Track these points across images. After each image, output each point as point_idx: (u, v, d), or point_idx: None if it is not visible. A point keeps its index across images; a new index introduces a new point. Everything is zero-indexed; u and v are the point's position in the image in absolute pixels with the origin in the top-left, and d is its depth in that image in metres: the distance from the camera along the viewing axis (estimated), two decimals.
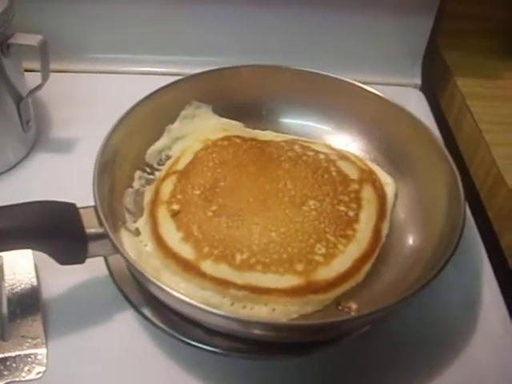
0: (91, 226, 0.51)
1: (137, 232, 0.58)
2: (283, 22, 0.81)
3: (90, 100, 0.78)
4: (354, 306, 0.54)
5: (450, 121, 0.81)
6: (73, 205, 0.52)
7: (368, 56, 0.84)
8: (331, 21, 0.81)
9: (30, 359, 0.52)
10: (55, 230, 0.50)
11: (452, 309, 0.59)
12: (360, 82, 0.68)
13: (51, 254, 0.51)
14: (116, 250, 0.50)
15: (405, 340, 0.56)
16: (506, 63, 0.84)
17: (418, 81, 0.86)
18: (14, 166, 0.69)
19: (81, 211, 0.52)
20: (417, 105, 0.82)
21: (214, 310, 0.46)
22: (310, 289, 0.53)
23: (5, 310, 0.54)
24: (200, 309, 0.46)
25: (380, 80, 0.79)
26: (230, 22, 0.82)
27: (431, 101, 0.84)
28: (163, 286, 0.47)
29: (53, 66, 0.66)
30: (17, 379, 0.50)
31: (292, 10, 0.80)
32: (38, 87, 0.66)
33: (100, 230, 0.51)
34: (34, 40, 0.62)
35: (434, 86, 0.87)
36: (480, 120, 0.74)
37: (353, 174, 0.63)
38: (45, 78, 0.65)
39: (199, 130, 0.67)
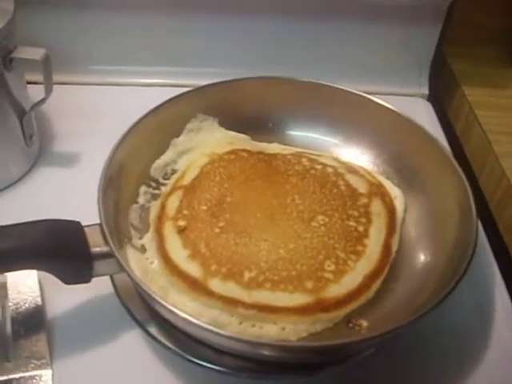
0: (96, 245, 0.50)
1: (143, 249, 0.57)
2: (289, 33, 0.80)
3: (94, 113, 0.77)
4: (364, 323, 0.53)
5: (458, 131, 0.81)
6: (77, 223, 0.51)
7: (375, 66, 0.83)
8: (337, 31, 0.80)
9: (34, 381, 0.51)
10: (60, 251, 0.49)
11: (463, 322, 0.58)
12: (367, 93, 0.68)
13: (56, 275, 0.50)
14: (122, 269, 0.49)
15: (415, 357, 0.55)
16: None
17: (426, 91, 0.85)
18: (17, 182, 0.68)
19: (86, 230, 0.51)
20: (424, 115, 0.81)
21: (222, 332, 0.45)
22: (320, 307, 0.52)
23: (9, 329, 0.53)
24: (207, 330, 0.45)
25: (387, 90, 0.78)
26: (235, 33, 0.81)
27: (439, 111, 0.83)
28: (169, 307, 0.46)
29: (56, 78, 0.65)
30: None
31: (298, 21, 0.79)
32: (41, 101, 0.65)
33: (105, 249, 0.50)
34: (36, 54, 0.61)
35: (441, 96, 0.86)
36: (488, 130, 0.73)
37: (362, 187, 0.62)
38: (48, 92, 0.64)
39: (205, 143, 0.66)
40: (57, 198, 0.65)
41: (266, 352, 0.47)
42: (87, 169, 0.66)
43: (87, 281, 0.51)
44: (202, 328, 0.45)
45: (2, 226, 0.48)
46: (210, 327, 0.45)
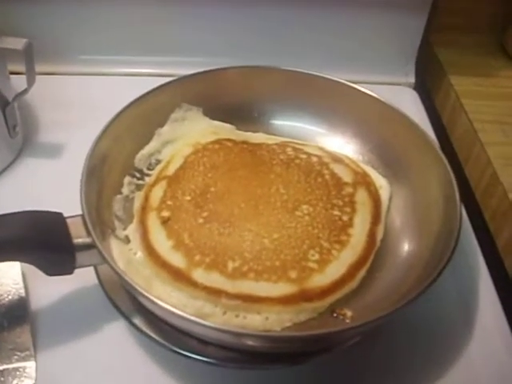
0: (79, 236, 0.50)
1: (126, 240, 0.57)
2: (274, 22, 0.80)
3: (79, 103, 0.77)
4: (349, 313, 0.53)
5: (444, 120, 0.80)
6: (59, 214, 0.51)
7: (361, 55, 0.83)
8: (323, 20, 0.80)
9: (18, 373, 0.50)
10: (42, 242, 0.48)
11: (448, 311, 0.58)
12: (353, 82, 0.68)
13: (38, 266, 0.50)
14: (104, 260, 0.49)
15: (400, 344, 0.55)
16: (500, 61, 0.83)
17: (412, 79, 0.85)
18: (0, 173, 0.67)
19: (68, 221, 0.50)
20: (410, 104, 0.81)
21: (205, 322, 0.45)
22: (304, 296, 0.52)
23: None
24: (191, 321, 0.45)
25: (373, 79, 0.78)
26: (220, 23, 0.80)
27: (425, 100, 0.83)
28: (152, 298, 0.46)
29: (40, 69, 0.65)
30: None
31: (282, 10, 0.79)
32: (24, 92, 0.65)
33: (88, 240, 0.50)
34: (18, 44, 0.60)
35: (427, 85, 0.86)
36: (475, 119, 0.73)
37: (346, 177, 0.61)
38: (30, 83, 0.64)
39: (189, 133, 0.66)
40: (40, 189, 0.65)
41: (250, 342, 0.47)
42: (71, 160, 0.65)
43: (70, 272, 0.51)
44: (186, 319, 0.45)
45: None
46: (194, 318, 0.45)
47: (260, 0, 0.78)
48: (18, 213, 0.49)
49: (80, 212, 0.51)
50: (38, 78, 0.65)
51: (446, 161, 0.58)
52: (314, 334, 0.47)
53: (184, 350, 0.51)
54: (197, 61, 0.76)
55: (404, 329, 0.56)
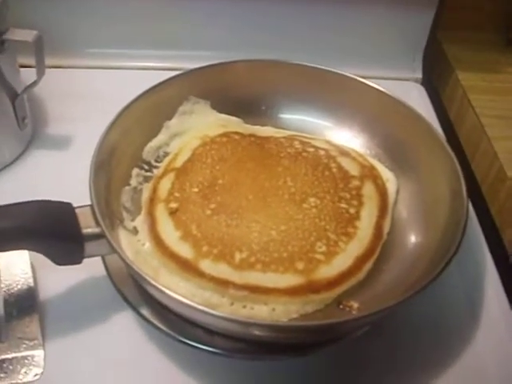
0: (88, 226, 0.50)
1: (134, 231, 0.57)
2: (283, 17, 0.80)
3: (87, 96, 0.77)
4: (355, 304, 0.53)
5: (452, 115, 0.81)
6: (69, 204, 0.51)
7: (368, 50, 0.83)
8: (331, 15, 0.80)
9: (27, 361, 0.51)
10: (51, 231, 0.49)
11: (454, 305, 0.59)
12: (361, 77, 0.68)
13: (47, 255, 0.50)
14: (113, 250, 0.49)
15: (407, 337, 0.56)
16: (507, 57, 0.83)
17: (419, 75, 0.85)
18: (10, 164, 0.68)
19: (77, 211, 0.51)
20: (418, 99, 0.81)
21: (213, 312, 0.45)
22: (311, 288, 0.52)
23: (1, 311, 0.54)
24: (198, 310, 0.45)
25: (381, 74, 0.78)
26: (228, 17, 0.81)
27: (432, 95, 0.83)
28: (161, 287, 0.46)
29: (49, 62, 0.65)
30: (14, 381, 0.49)
31: (291, 5, 0.79)
32: (34, 84, 0.65)
33: (96, 230, 0.50)
34: (28, 36, 0.61)
35: (435, 80, 0.86)
36: (482, 114, 0.73)
37: (354, 170, 0.62)
38: (40, 74, 0.64)
39: (197, 126, 0.66)
40: (49, 181, 0.65)
41: (257, 332, 0.47)
42: (80, 151, 0.65)
43: (78, 262, 0.51)
44: (194, 308, 0.45)
45: None
46: (202, 307, 0.45)
47: None
48: (28, 202, 0.50)
49: (88, 203, 0.52)
50: (46, 71, 0.65)
51: (453, 154, 0.58)
52: (321, 324, 0.48)
53: (191, 340, 0.51)
54: (204, 55, 0.76)
55: (411, 321, 0.56)
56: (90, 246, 0.50)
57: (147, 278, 0.47)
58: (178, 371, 0.52)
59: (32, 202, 0.50)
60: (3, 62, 0.62)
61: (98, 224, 0.50)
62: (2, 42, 0.61)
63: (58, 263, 0.51)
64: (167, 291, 0.46)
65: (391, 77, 0.81)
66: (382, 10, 0.80)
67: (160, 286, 0.46)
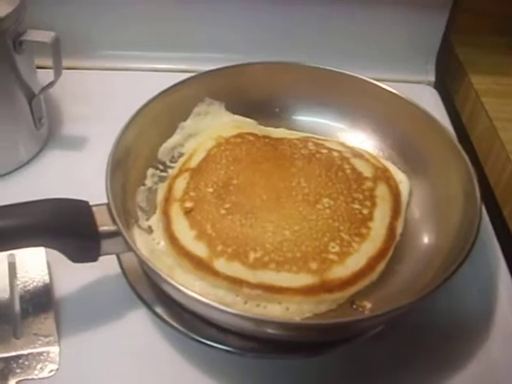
0: (104, 224, 0.51)
1: (149, 230, 0.58)
2: (296, 19, 0.81)
3: (103, 97, 0.78)
4: (368, 305, 0.53)
5: (464, 118, 0.81)
6: (85, 202, 0.52)
7: (382, 53, 0.83)
8: (345, 17, 0.81)
9: (42, 357, 0.51)
10: (68, 228, 0.49)
11: (467, 307, 0.59)
12: (374, 79, 0.68)
13: (64, 252, 0.51)
14: (129, 247, 0.50)
15: (420, 338, 0.56)
16: None
17: (432, 78, 0.85)
18: (27, 164, 0.69)
19: (93, 209, 0.51)
20: (431, 102, 0.81)
21: (228, 309, 0.46)
22: (324, 288, 0.52)
23: (17, 307, 0.54)
24: (213, 307, 0.46)
25: (394, 77, 0.78)
26: (241, 19, 0.81)
27: (445, 98, 0.83)
28: (176, 284, 0.47)
29: (65, 63, 0.65)
30: (29, 377, 0.50)
31: (305, 7, 0.80)
32: (51, 84, 0.66)
33: (113, 228, 0.51)
34: (46, 36, 0.61)
35: (448, 84, 0.86)
36: (495, 117, 0.73)
37: (367, 171, 0.62)
38: (57, 75, 0.65)
39: (212, 127, 0.67)
40: (65, 181, 0.66)
41: (271, 330, 0.48)
42: (95, 152, 0.66)
43: (94, 259, 0.52)
44: (209, 306, 0.46)
45: (12, 204, 0.49)
46: (218, 305, 0.46)
47: None
48: (46, 200, 0.50)
49: (103, 202, 0.52)
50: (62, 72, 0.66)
51: (466, 156, 0.59)
52: (335, 323, 0.48)
53: (205, 338, 0.51)
54: (217, 57, 0.77)
55: (424, 322, 0.56)
56: (106, 244, 0.51)
57: (163, 275, 0.47)
58: (192, 369, 0.52)
59: (49, 199, 0.50)
60: (21, 63, 0.63)
61: (114, 222, 0.50)
62: (20, 43, 0.61)
63: (74, 260, 0.51)
64: (183, 288, 0.46)
65: (404, 79, 0.82)
66: (396, 13, 0.80)
67: (175, 283, 0.47)
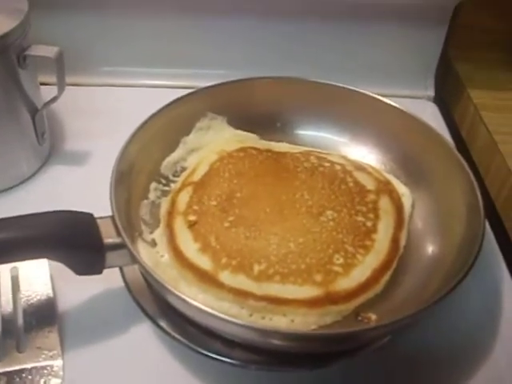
0: (109, 236, 0.51)
1: (153, 243, 0.58)
2: (297, 35, 0.81)
3: (104, 113, 0.78)
4: (373, 316, 0.53)
5: (464, 132, 0.81)
6: (90, 215, 0.52)
7: (381, 68, 0.84)
8: (344, 33, 0.81)
9: (46, 371, 0.51)
10: (73, 240, 0.49)
11: (471, 320, 0.59)
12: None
13: (68, 265, 0.51)
14: (134, 259, 0.50)
15: (424, 350, 0.56)
16: None
17: (431, 93, 0.86)
18: (28, 179, 0.69)
19: (98, 221, 0.51)
20: (430, 116, 0.81)
21: (234, 320, 0.46)
22: (329, 299, 0.52)
23: (20, 321, 0.54)
24: (220, 318, 0.46)
25: (393, 92, 0.78)
26: (242, 36, 0.82)
27: (444, 113, 0.84)
28: (182, 296, 0.47)
29: (67, 80, 0.66)
30: None
31: (306, 23, 0.80)
32: (54, 99, 0.66)
33: (118, 240, 0.51)
34: (50, 52, 0.62)
35: (447, 98, 0.87)
36: (494, 131, 0.74)
37: (369, 184, 0.62)
38: (61, 90, 0.65)
39: (214, 141, 0.67)
40: (66, 195, 0.65)
41: (277, 341, 0.48)
42: (97, 167, 0.67)
43: (99, 272, 0.52)
44: (215, 317, 0.46)
45: (16, 216, 0.49)
46: (223, 316, 0.46)
47: (284, 13, 0.80)
48: (50, 212, 0.50)
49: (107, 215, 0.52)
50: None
51: (468, 169, 0.59)
52: (340, 333, 0.48)
53: (209, 351, 0.51)
54: (218, 73, 0.76)
55: (428, 334, 0.56)
56: (111, 256, 0.51)
57: (168, 286, 0.47)
58: (196, 382, 0.52)
59: (54, 211, 0.50)
60: (24, 78, 0.63)
61: (119, 234, 0.51)
62: (24, 57, 0.62)
63: (79, 273, 0.51)
64: (188, 299, 0.46)
65: (404, 94, 0.82)
66: (395, 28, 0.81)
67: (181, 295, 0.47)
